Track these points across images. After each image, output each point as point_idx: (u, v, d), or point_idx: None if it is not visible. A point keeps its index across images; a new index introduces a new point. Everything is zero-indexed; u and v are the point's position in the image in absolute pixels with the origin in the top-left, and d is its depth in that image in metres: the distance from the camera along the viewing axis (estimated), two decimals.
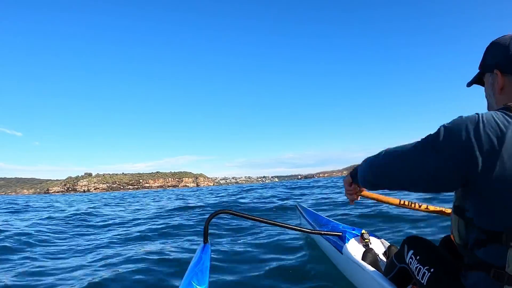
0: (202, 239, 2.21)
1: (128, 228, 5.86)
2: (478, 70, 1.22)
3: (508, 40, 1.09)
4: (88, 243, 4.60)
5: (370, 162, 1.22)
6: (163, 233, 4.79)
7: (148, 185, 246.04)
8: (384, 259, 2.08)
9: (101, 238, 4.79)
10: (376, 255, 2.09)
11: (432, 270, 1.25)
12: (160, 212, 8.08)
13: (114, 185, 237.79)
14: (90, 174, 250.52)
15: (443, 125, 0.98)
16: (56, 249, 4.19)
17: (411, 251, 1.41)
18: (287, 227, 2.48)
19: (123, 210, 10.31)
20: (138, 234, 4.73)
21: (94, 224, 6.85)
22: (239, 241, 3.60)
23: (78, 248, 4.28)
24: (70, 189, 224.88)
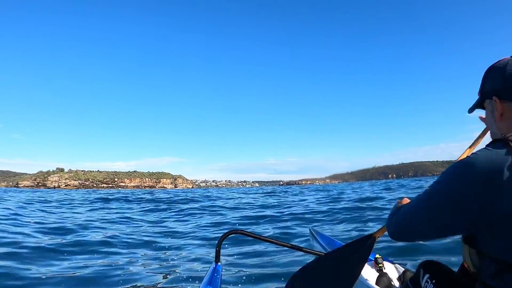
0: (213, 258, 2.14)
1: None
2: (478, 96, 1.19)
3: (504, 65, 1.06)
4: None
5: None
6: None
7: (123, 184, 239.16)
8: (398, 285, 2.05)
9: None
10: (390, 280, 2.08)
11: None
12: None
13: (87, 183, 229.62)
14: (62, 170, 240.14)
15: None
16: None
17: (427, 275, 1.39)
18: (301, 250, 2.43)
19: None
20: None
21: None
22: (250, 261, 3.54)
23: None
24: (40, 184, 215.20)
